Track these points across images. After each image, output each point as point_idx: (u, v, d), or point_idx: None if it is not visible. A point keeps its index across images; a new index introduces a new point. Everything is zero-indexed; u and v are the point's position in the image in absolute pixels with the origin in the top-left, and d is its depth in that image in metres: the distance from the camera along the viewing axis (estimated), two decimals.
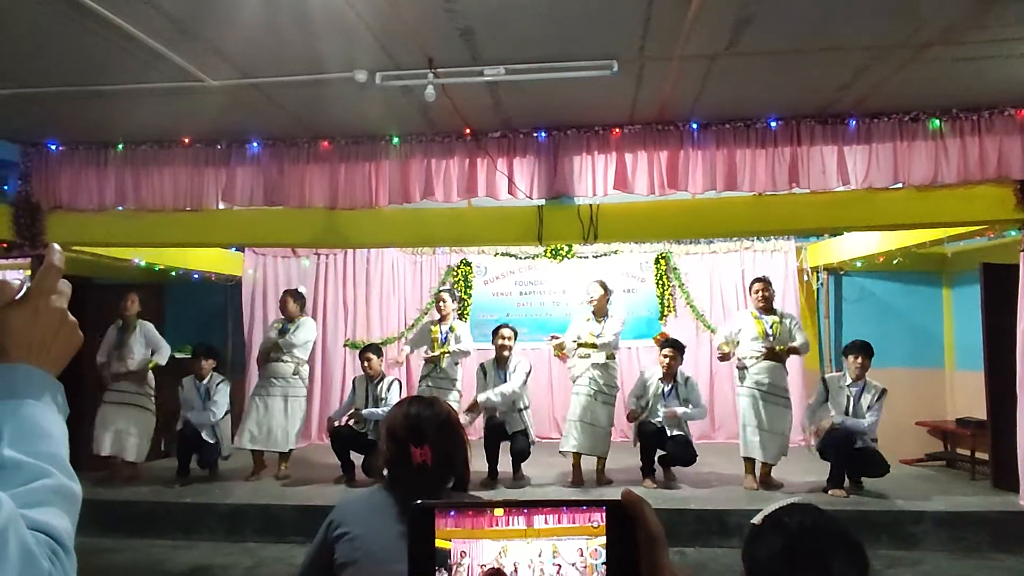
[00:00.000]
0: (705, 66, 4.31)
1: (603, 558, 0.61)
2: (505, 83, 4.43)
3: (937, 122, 5.07)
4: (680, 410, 5.86)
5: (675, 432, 5.85)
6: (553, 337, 6.18)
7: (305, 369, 6.46)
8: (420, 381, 6.32)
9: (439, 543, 0.61)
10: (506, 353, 6.07)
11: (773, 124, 5.22)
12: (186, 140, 5.67)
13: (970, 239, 6.25)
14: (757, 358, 5.81)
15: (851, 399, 5.62)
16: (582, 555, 0.62)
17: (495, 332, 6.18)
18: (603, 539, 0.61)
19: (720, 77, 4.47)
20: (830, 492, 5.41)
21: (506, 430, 5.95)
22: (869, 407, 5.57)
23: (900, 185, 5.21)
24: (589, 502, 0.63)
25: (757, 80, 4.57)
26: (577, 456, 5.94)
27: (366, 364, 6.15)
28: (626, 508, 0.61)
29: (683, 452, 5.77)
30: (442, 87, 4.41)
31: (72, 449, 0.77)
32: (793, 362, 6.68)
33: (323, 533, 1.82)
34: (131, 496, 5.60)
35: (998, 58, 4.22)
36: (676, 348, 6.06)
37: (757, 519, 1.29)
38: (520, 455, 5.97)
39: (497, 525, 0.62)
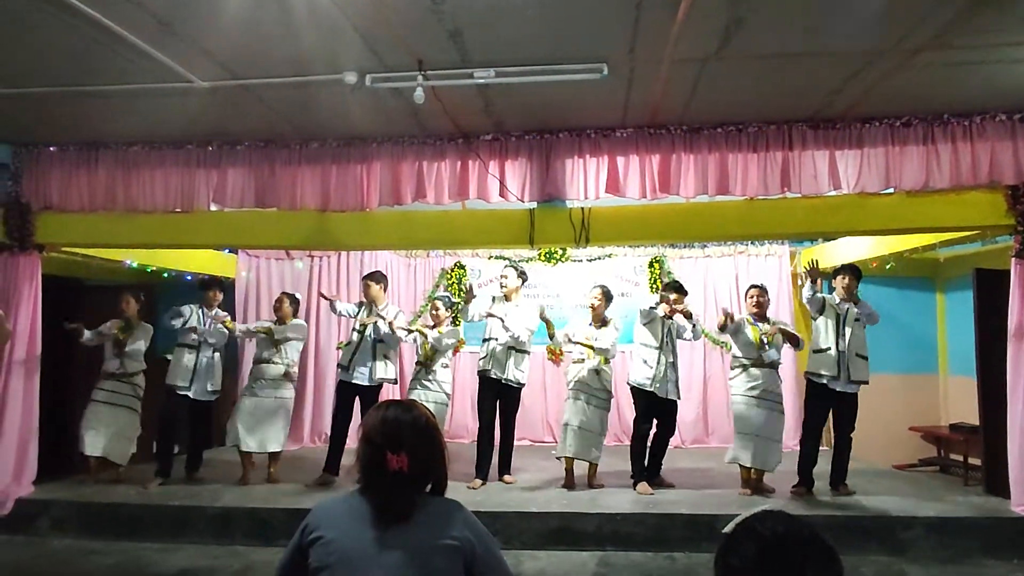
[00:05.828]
0: (696, 69, 4.30)
1: None
2: (495, 85, 4.42)
3: (929, 127, 5.07)
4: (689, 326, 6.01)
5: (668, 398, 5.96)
6: (549, 350, 6.28)
7: (295, 371, 6.41)
8: (411, 383, 6.28)
9: None
10: (504, 290, 6.23)
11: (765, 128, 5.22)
12: (177, 141, 5.66)
13: (962, 244, 6.25)
14: (750, 364, 5.78)
15: (840, 316, 5.71)
16: None
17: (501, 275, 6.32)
18: None
19: (711, 81, 4.46)
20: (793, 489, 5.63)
21: (500, 383, 6.02)
22: (857, 317, 5.71)
23: (892, 190, 5.21)
24: None
25: (748, 84, 4.56)
26: (570, 460, 5.94)
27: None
28: None
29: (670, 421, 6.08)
30: (432, 89, 4.40)
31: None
32: (787, 368, 6.65)
33: (298, 537, 1.80)
34: (118, 498, 5.55)
35: (988, 63, 4.21)
36: (681, 292, 6.02)
37: (729, 527, 1.27)
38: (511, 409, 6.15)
39: None
